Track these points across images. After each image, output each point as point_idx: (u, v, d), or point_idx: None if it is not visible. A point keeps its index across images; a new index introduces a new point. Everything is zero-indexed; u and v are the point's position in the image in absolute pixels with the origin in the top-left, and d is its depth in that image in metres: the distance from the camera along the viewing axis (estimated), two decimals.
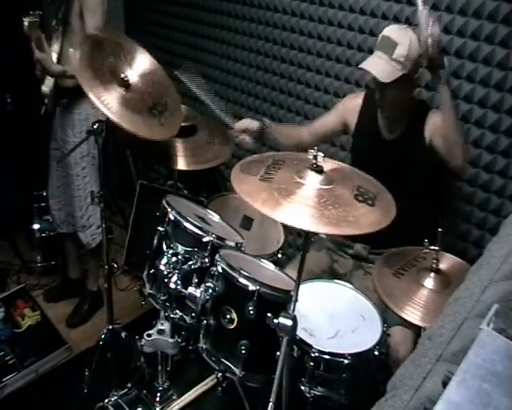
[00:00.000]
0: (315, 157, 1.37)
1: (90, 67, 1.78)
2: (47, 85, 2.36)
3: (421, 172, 1.95)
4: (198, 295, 1.59)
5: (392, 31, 1.83)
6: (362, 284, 1.93)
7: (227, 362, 1.52)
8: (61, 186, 2.67)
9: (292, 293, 1.41)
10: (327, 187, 1.35)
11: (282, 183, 1.34)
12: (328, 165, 1.43)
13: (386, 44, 1.81)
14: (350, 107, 2.11)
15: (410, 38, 1.79)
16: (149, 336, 1.82)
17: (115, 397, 1.96)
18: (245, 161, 1.52)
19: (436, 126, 1.87)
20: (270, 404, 1.35)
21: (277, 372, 1.36)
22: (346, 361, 1.53)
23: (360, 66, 1.85)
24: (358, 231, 1.25)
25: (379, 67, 1.81)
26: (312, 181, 1.35)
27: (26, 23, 2.01)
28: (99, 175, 2.08)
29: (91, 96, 1.72)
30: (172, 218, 1.74)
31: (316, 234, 2.16)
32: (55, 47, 2.33)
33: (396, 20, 2.15)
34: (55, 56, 2.31)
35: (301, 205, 1.27)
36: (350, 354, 1.54)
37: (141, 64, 1.99)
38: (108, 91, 1.79)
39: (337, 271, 2.10)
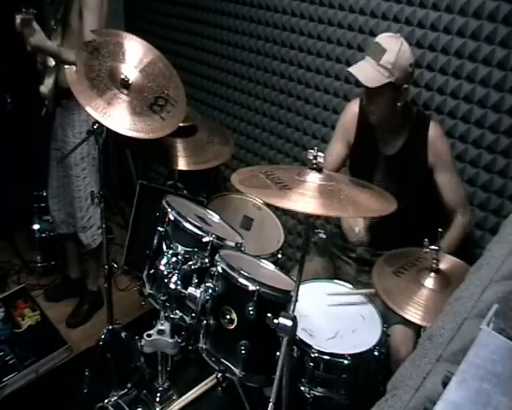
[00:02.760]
0: (315, 157, 1.37)
1: (86, 78, 1.77)
2: (46, 86, 2.36)
3: (423, 183, 1.95)
4: (198, 295, 1.58)
5: (383, 38, 1.85)
6: (366, 290, 1.91)
7: (227, 362, 1.52)
8: (60, 186, 2.66)
9: (292, 293, 1.42)
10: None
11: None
12: None
13: (375, 50, 1.83)
14: (349, 125, 2.08)
15: (400, 46, 1.79)
16: (149, 336, 1.81)
17: (115, 397, 1.96)
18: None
19: (435, 141, 1.90)
20: (270, 404, 1.35)
21: (277, 373, 1.36)
22: (345, 362, 1.53)
23: (348, 69, 1.87)
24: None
25: (365, 71, 1.82)
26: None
27: (17, 20, 2.00)
28: (99, 176, 2.07)
29: (89, 109, 1.72)
30: (172, 218, 1.74)
31: (316, 234, 2.15)
32: None
33: (396, 20, 2.14)
34: None
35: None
36: (350, 355, 1.54)
37: (141, 57, 1.97)
38: (107, 100, 1.78)
39: (341, 277, 2.08)
